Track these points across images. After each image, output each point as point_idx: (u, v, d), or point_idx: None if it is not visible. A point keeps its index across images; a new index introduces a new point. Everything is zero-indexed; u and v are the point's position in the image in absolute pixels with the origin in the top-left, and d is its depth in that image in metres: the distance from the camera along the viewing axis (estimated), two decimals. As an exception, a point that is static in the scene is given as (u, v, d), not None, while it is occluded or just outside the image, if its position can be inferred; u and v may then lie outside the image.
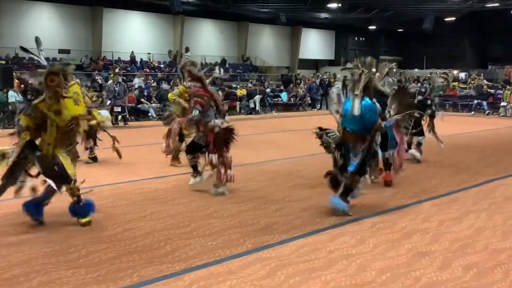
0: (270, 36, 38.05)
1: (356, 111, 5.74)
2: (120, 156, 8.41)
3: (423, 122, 9.49)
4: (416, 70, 37.37)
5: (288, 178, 8.30)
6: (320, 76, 30.01)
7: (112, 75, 17.84)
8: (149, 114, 19.55)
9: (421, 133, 9.63)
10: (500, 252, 4.92)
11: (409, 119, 7.28)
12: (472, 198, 7.08)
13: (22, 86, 7.55)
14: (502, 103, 22.66)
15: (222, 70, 13.83)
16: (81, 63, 25.89)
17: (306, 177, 8.40)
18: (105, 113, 8.97)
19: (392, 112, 7.06)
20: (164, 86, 21.61)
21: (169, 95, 9.42)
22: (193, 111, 7.05)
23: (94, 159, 9.59)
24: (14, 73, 17.55)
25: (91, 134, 9.07)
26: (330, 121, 6.69)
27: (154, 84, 23.26)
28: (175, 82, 23.26)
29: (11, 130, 5.95)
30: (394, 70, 8.49)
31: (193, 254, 4.75)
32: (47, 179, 5.45)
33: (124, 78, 21.49)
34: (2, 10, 25.54)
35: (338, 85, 6.55)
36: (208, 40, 33.83)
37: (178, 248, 4.90)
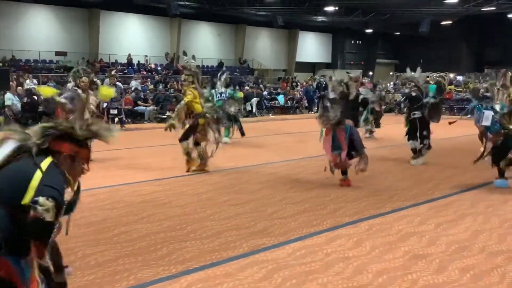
0: (267, 39, 38.07)
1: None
2: None
3: None
4: (412, 73, 37.44)
5: (285, 181, 8.30)
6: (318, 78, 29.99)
7: (108, 78, 17.80)
8: (148, 117, 19.57)
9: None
10: (496, 255, 4.92)
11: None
12: (468, 200, 7.09)
13: None
14: (498, 106, 22.65)
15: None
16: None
17: (303, 180, 8.41)
18: None
19: None
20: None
21: (186, 99, 8.82)
22: None
23: None
24: (10, 75, 17.55)
25: None
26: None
27: (151, 86, 23.31)
28: (172, 85, 23.38)
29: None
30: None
31: (190, 257, 4.74)
32: None
33: (120, 80, 21.40)
34: (-1, 12, 25.50)
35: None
36: (205, 43, 33.82)
37: (174, 251, 4.89)
